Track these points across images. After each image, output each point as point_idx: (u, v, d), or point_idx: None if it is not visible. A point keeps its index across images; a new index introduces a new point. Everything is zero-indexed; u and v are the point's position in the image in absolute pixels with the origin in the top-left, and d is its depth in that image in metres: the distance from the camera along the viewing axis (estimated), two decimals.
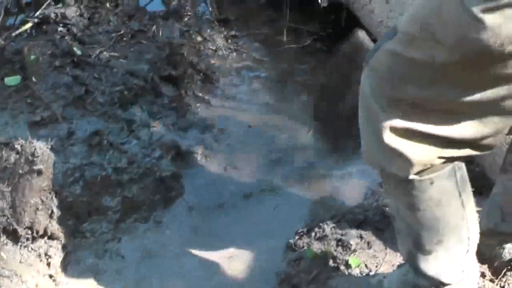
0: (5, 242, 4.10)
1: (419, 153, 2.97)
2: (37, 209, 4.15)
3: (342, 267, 3.92)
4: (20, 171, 4.14)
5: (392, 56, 2.94)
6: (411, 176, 3.08)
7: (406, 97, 2.90)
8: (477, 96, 2.78)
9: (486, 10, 2.51)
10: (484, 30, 2.53)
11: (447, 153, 3.05)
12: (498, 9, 2.50)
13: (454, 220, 3.35)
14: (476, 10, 2.50)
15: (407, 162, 2.97)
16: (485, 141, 3.02)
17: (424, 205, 3.22)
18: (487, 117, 2.92)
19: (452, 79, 2.78)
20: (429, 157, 3.01)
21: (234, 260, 4.39)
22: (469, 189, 3.29)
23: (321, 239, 4.09)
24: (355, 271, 3.90)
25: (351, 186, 4.65)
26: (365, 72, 3.07)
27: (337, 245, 3.97)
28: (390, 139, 2.95)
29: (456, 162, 3.14)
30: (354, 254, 3.95)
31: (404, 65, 2.89)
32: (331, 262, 3.95)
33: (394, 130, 2.95)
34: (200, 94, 5.17)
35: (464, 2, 2.56)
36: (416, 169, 3.01)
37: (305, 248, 4.13)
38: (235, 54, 5.41)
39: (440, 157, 3.04)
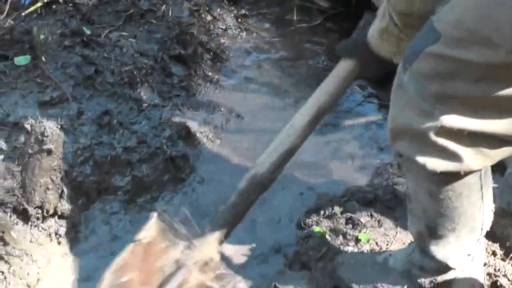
0: (15, 221, 4.15)
1: (472, 155, 3.05)
2: (47, 188, 4.21)
3: (351, 244, 3.95)
4: (30, 151, 4.20)
5: (438, 58, 3.02)
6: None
7: (455, 94, 3.00)
8: None
9: None
10: None
11: (501, 154, 3.13)
12: None
13: (472, 211, 3.44)
14: None
15: (457, 160, 3.05)
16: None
17: (445, 194, 3.31)
18: None
19: (504, 76, 2.88)
20: (483, 160, 3.08)
21: (243, 240, 4.44)
22: (490, 181, 3.42)
23: (330, 217, 4.18)
24: (365, 248, 3.95)
25: (361, 165, 4.68)
26: (408, 74, 3.14)
27: (347, 223, 4.05)
28: (441, 137, 3.03)
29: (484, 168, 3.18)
30: (365, 231, 4.02)
31: (452, 66, 2.99)
32: (340, 239, 4.01)
33: (445, 129, 3.03)
34: (210, 74, 5.19)
35: None
36: (465, 168, 3.08)
37: (314, 226, 4.17)
38: (245, 33, 5.45)
39: (492, 158, 3.10)
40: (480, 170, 3.21)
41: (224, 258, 4.28)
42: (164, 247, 4.15)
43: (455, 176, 3.20)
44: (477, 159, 3.08)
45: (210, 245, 4.13)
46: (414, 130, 3.18)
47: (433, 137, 3.03)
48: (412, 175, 3.42)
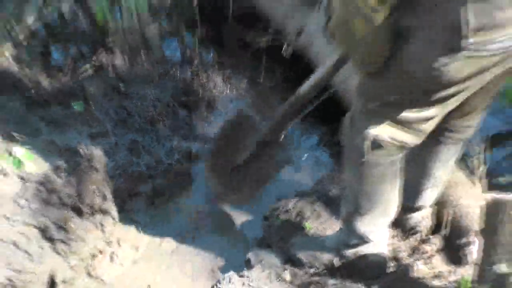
0: (72, 216, 4.16)
1: (386, 133, 3.09)
2: (94, 193, 4.24)
3: (300, 231, 4.07)
4: (83, 168, 4.27)
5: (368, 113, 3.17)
6: (370, 155, 3.22)
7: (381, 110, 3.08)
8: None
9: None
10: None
11: (402, 136, 3.12)
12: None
13: (386, 196, 3.49)
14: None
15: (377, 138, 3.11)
16: (427, 126, 3.09)
17: (369, 179, 3.36)
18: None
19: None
20: (390, 135, 3.10)
21: (227, 229, 4.51)
22: (400, 178, 3.47)
23: (286, 212, 4.24)
24: (310, 233, 4.06)
25: (309, 175, 4.73)
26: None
27: (297, 215, 4.12)
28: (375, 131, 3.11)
29: (399, 156, 3.28)
30: (309, 222, 4.11)
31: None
32: (292, 227, 4.11)
33: (376, 124, 3.12)
34: (205, 115, 5.22)
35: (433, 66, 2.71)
36: (378, 144, 3.15)
37: (275, 218, 4.27)
38: (228, 89, 5.48)
39: (394, 140, 3.13)
40: (396, 165, 3.34)
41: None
42: None
43: (385, 156, 3.26)
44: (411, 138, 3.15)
45: None
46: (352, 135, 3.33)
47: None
48: (350, 164, 3.48)
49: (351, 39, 2.91)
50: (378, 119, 3.09)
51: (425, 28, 2.71)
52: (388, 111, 3.06)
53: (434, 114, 3.00)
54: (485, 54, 2.63)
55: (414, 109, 2.98)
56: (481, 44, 2.58)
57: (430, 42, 2.71)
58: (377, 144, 3.15)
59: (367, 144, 3.16)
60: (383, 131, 3.08)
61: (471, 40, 2.57)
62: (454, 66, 2.66)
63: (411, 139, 3.14)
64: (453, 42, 2.61)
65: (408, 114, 3.01)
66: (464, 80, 2.76)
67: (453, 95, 2.88)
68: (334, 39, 3.03)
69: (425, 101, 2.94)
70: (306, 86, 4.19)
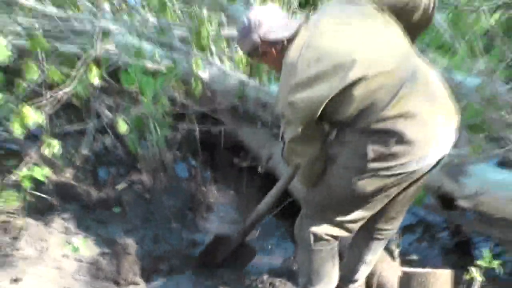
0: (113, 287, 4.18)
1: (323, 231, 3.29)
2: (128, 270, 4.26)
3: None
4: (120, 253, 4.32)
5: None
6: (315, 246, 3.37)
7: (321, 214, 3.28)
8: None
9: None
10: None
11: (335, 232, 3.30)
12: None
13: (329, 272, 3.58)
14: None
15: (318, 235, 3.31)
16: (354, 226, 3.27)
17: (316, 261, 3.47)
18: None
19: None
20: (326, 232, 3.30)
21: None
22: (338, 257, 3.55)
23: (262, 282, 4.15)
24: None
25: (278, 257, 4.70)
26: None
27: (270, 285, 4.09)
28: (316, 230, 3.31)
29: (336, 243, 3.44)
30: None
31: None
32: None
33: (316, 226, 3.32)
34: (204, 215, 5.22)
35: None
36: (320, 238, 3.33)
37: None
38: (221, 197, 5.47)
39: (330, 235, 3.32)
40: (333, 250, 3.47)
41: None
42: None
43: (326, 245, 3.40)
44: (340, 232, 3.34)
45: None
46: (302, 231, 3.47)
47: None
48: (302, 251, 3.54)
49: (294, 162, 3.31)
50: (317, 221, 3.31)
51: (344, 155, 2.98)
52: (322, 216, 3.29)
53: (356, 217, 3.18)
54: (385, 175, 2.88)
55: (340, 214, 3.20)
56: (377, 169, 2.85)
57: (347, 165, 2.98)
58: (318, 238, 3.33)
59: (311, 238, 3.34)
60: (321, 229, 3.31)
61: (371, 165, 2.83)
62: (362, 182, 2.92)
63: (343, 234, 3.33)
64: (360, 166, 2.88)
65: (337, 218, 3.21)
66: (372, 194, 2.98)
67: (368, 204, 3.09)
68: (286, 162, 3.39)
69: (346, 208, 3.16)
70: (268, 197, 4.26)
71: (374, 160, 2.82)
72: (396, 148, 2.78)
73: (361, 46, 2.81)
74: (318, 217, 3.31)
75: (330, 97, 2.77)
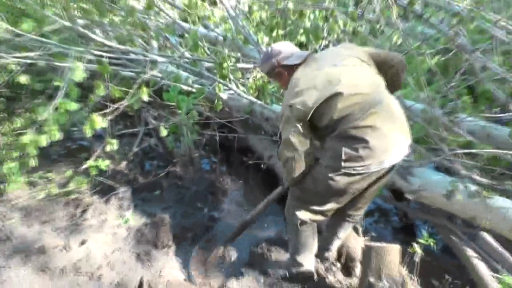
0: (152, 248, 4.15)
1: (306, 217, 3.36)
2: (164, 237, 4.22)
3: (268, 258, 3.98)
4: (158, 224, 4.27)
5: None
6: (300, 227, 3.44)
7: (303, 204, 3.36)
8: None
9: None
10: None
11: (315, 217, 3.38)
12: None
13: (311, 244, 3.60)
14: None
15: (302, 220, 3.38)
16: (329, 213, 3.37)
17: (301, 237, 3.52)
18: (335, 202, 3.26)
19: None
20: (310, 218, 3.37)
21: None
22: (316, 231, 3.60)
23: (261, 249, 4.09)
24: (273, 260, 3.97)
25: (273, 230, 4.66)
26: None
27: (267, 250, 4.03)
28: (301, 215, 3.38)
29: (315, 224, 3.50)
30: (273, 253, 4.06)
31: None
32: (264, 257, 4.03)
33: (301, 212, 3.38)
34: (221, 198, 5.19)
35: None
36: (304, 222, 3.40)
37: (255, 252, 4.09)
38: (233, 185, 5.44)
39: (312, 220, 3.40)
40: (313, 228, 3.53)
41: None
42: None
43: (309, 226, 3.47)
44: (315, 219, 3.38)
45: None
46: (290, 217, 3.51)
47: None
48: (291, 227, 3.54)
49: (288, 158, 3.16)
50: (301, 210, 3.38)
51: (325, 158, 3.10)
52: (305, 206, 3.36)
53: (330, 208, 3.29)
54: (353, 173, 2.99)
55: (318, 205, 3.29)
56: (348, 167, 2.98)
57: (327, 165, 3.08)
58: (303, 222, 3.41)
59: (298, 222, 3.40)
60: (305, 215, 3.38)
61: (344, 164, 2.94)
62: (338, 179, 3.02)
63: (321, 219, 3.41)
64: (336, 165, 3.00)
65: (316, 208, 3.31)
66: (344, 188, 3.07)
67: (341, 196, 3.18)
68: (279, 157, 3.29)
69: (323, 201, 3.27)
70: (271, 195, 4.39)
71: (346, 160, 2.95)
72: (362, 152, 2.91)
73: (347, 73, 3.01)
74: (302, 208, 3.39)
75: (318, 103, 2.94)
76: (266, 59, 3.37)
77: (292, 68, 3.23)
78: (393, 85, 3.35)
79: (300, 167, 3.13)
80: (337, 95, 2.92)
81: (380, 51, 3.36)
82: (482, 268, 3.62)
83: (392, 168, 3.13)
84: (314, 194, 3.24)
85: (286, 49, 3.32)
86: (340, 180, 3.03)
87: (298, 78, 3.08)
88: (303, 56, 3.26)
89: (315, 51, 3.37)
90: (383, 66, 3.27)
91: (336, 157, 2.99)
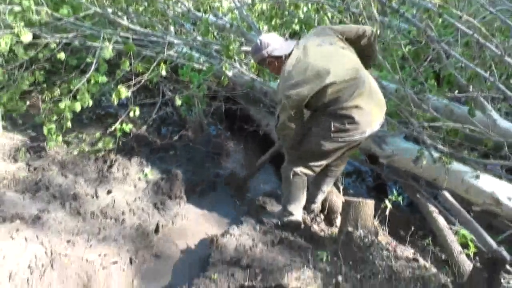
0: (167, 198, 4.15)
1: (298, 169, 3.43)
2: (177, 189, 4.21)
3: (264, 209, 3.99)
4: (172, 178, 4.27)
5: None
6: (292, 178, 3.47)
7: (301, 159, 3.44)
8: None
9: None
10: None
11: (306, 171, 3.45)
12: None
13: (301, 195, 3.62)
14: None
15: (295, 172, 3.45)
16: (318, 168, 3.47)
17: (293, 188, 3.54)
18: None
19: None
20: (301, 170, 3.44)
21: (232, 207, 4.37)
22: (306, 185, 3.60)
23: (258, 200, 4.14)
24: (268, 210, 3.97)
25: (269, 185, 4.66)
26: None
27: (263, 202, 4.07)
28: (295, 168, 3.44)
29: (306, 178, 3.53)
30: (268, 205, 4.06)
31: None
32: (261, 207, 4.05)
33: (295, 165, 3.45)
34: (225, 158, 5.18)
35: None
36: (296, 173, 3.46)
37: (254, 203, 4.14)
38: (235, 148, 5.42)
39: (303, 173, 3.46)
40: (303, 180, 3.55)
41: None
42: None
43: (299, 178, 3.49)
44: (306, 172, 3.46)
45: None
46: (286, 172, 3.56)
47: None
48: (285, 178, 3.58)
49: (285, 133, 3.33)
50: (296, 165, 3.44)
51: (317, 128, 3.23)
52: (299, 162, 3.43)
53: (320, 163, 3.39)
54: (340, 140, 3.14)
55: (311, 161, 3.38)
56: (337, 137, 3.14)
57: (318, 134, 3.22)
58: (295, 174, 3.45)
59: (292, 174, 3.45)
60: (298, 169, 3.43)
61: (333, 135, 3.10)
62: (327, 144, 3.18)
63: (311, 172, 3.47)
64: (326, 135, 3.15)
65: (309, 163, 3.40)
66: (331, 150, 3.24)
67: (328, 156, 3.29)
68: (277, 133, 3.48)
69: (315, 158, 3.35)
70: (266, 155, 4.54)
71: (334, 132, 3.13)
72: (349, 126, 3.10)
73: (331, 63, 3.07)
74: (297, 162, 3.46)
75: (311, 94, 3.06)
76: (257, 51, 3.34)
77: (281, 58, 3.24)
78: (368, 56, 3.44)
79: (292, 139, 3.33)
80: (327, 85, 3.04)
81: (350, 26, 3.44)
82: (441, 221, 3.67)
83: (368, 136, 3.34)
84: (306, 153, 3.38)
85: (274, 41, 3.29)
86: (329, 146, 3.21)
87: (291, 69, 3.10)
88: (290, 47, 3.25)
89: (297, 42, 3.33)
90: (356, 39, 3.31)
91: (326, 129, 3.15)
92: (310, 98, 3.09)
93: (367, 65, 3.44)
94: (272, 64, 3.34)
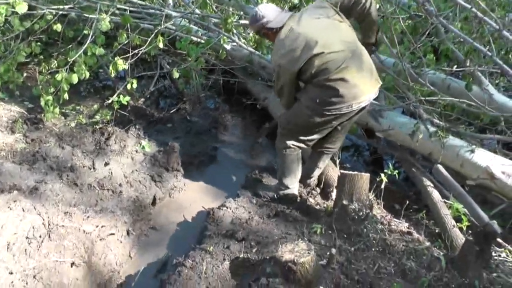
0: (164, 171, 4.17)
1: (291, 143, 3.46)
2: (174, 161, 4.21)
3: (261, 182, 4.01)
4: (169, 150, 4.26)
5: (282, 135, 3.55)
6: (285, 150, 3.50)
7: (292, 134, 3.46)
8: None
9: None
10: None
11: (299, 144, 3.48)
12: None
13: (295, 169, 3.63)
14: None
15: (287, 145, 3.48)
16: (310, 143, 3.49)
17: (287, 161, 3.57)
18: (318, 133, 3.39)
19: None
20: (293, 144, 3.47)
21: (229, 181, 4.38)
22: (300, 159, 3.63)
23: (255, 174, 4.16)
24: (265, 183, 3.99)
25: (266, 159, 4.67)
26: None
27: (260, 176, 4.09)
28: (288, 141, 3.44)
29: (300, 151, 3.53)
30: (264, 178, 4.08)
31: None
32: (258, 181, 4.07)
33: (288, 139, 3.46)
34: (222, 131, 5.19)
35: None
36: (289, 147, 3.49)
37: (250, 177, 4.14)
38: (233, 121, 5.44)
39: (296, 146, 3.49)
40: (298, 154, 3.59)
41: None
42: None
43: (293, 151, 3.53)
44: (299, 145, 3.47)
45: None
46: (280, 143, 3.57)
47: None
48: (280, 153, 3.61)
49: (282, 93, 3.37)
50: (288, 138, 3.48)
51: (305, 99, 3.26)
52: (291, 135, 3.46)
53: (312, 138, 3.42)
54: (327, 113, 3.15)
55: (301, 135, 3.42)
56: (323, 110, 3.14)
57: (306, 104, 3.24)
58: (288, 147, 3.49)
59: (285, 147, 3.49)
60: (291, 142, 3.46)
61: (319, 107, 3.13)
62: (315, 117, 3.21)
63: (303, 146, 3.51)
64: (313, 106, 3.17)
65: (300, 137, 3.43)
66: (320, 124, 3.25)
67: (319, 130, 3.34)
68: (277, 94, 3.47)
69: (305, 131, 3.39)
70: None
71: (320, 104, 3.15)
72: (335, 99, 3.10)
73: (322, 34, 3.10)
74: (288, 135, 3.49)
75: (301, 64, 3.09)
76: (254, 22, 3.38)
77: (276, 29, 3.26)
78: (369, 23, 3.41)
79: (289, 101, 3.39)
80: (314, 56, 3.04)
81: None
82: (436, 195, 3.66)
83: (361, 109, 3.29)
84: (297, 127, 3.41)
85: (270, 13, 3.30)
86: (316, 119, 3.22)
87: (283, 39, 3.16)
88: (284, 19, 3.26)
89: (293, 14, 3.34)
90: (352, 8, 3.31)
91: (313, 101, 3.16)
92: (300, 68, 3.10)
93: (370, 39, 3.47)
94: (268, 35, 3.39)
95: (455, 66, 4.31)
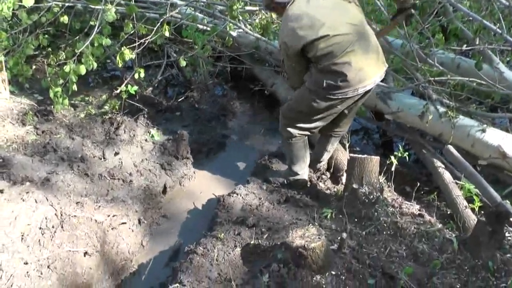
0: (174, 159, 4.17)
1: (295, 131, 3.36)
2: (183, 149, 4.21)
3: (269, 168, 4.01)
4: (179, 139, 4.24)
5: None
6: (290, 140, 3.45)
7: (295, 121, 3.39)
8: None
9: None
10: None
11: (303, 132, 3.39)
12: None
13: (303, 155, 3.59)
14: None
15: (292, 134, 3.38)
16: (315, 130, 3.44)
17: (294, 149, 3.52)
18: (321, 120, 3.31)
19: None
20: (298, 133, 3.41)
21: (239, 168, 4.39)
22: (307, 144, 3.60)
23: (264, 161, 4.16)
24: (274, 169, 3.98)
25: (274, 145, 4.66)
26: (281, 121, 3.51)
27: (269, 162, 4.09)
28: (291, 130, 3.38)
29: (306, 138, 3.49)
30: (273, 165, 4.07)
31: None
32: (267, 167, 4.06)
33: (291, 128, 3.40)
34: (231, 118, 5.21)
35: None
36: (294, 136, 3.44)
37: (259, 163, 4.15)
38: (241, 108, 5.44)
39: (301, 134, 3.40)
40: (304, 141, 3.57)
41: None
42: None
43: (299, 139, 3.50)
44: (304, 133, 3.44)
45: None
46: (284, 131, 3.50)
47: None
48: (285, 141, 3.58)
49: (290, 72, 3.37)
50: (292, 127, 3.44)
51: (310, 83, 3.19)
52: (295, 124, 3.42)
53: (315, 126, 3.38)
54: (332, 98, 3.08)
55: (305, 123, 3.38)
56: (329, 94, 3.07)
57: (310, 88, 3.17)
58: (293, 136, 3.46)
59: (289, 136, 3.46)
60: (295, 131, 3.42)
61: (325, 91, 3.05)
62: (319, 101, 3.14)
63: (308, 134, 3.49)
64: (318, 91, 3.09)
65: (303, 125, 3.39)
66: (326, 108, 3.18)
67: (323, 116, 3.29)
68: (284, 70, 3.63)
69: (310, 119, 3.34)
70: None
71: (325, 88, 3.06)
72: (341, 83, 3.02)
73: (329, 15, 3.02)
74: (292, 125, 3.44)
75: (304, 43, 3.00)
76: None
77: (285, 5, 3.18)
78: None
79: (295, 80, 3.38)
80: (320, 37, 2.97)
81: None
82: (447, 176, 3.59)
83: (367, 92, 3.21)
84: (300, 113, 3.35)
85: None
86: (321, 103, 3.14)
87: (289, 15, 3.09)
88: None
89: None
90: None
91: (318, 85, 3.09)
92: (304, 46, 3.03)
93: (406, 3, 3.27)
94: (277, 9, 3.32)
95: (465, 45, 4.21)
